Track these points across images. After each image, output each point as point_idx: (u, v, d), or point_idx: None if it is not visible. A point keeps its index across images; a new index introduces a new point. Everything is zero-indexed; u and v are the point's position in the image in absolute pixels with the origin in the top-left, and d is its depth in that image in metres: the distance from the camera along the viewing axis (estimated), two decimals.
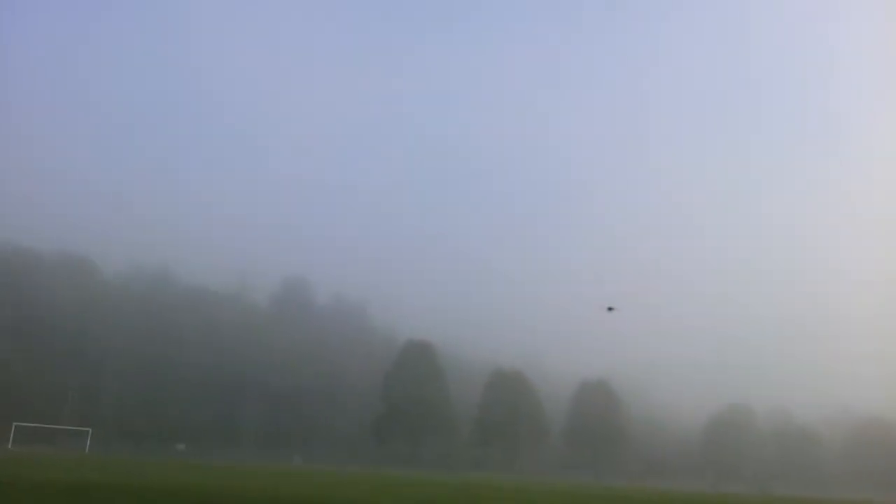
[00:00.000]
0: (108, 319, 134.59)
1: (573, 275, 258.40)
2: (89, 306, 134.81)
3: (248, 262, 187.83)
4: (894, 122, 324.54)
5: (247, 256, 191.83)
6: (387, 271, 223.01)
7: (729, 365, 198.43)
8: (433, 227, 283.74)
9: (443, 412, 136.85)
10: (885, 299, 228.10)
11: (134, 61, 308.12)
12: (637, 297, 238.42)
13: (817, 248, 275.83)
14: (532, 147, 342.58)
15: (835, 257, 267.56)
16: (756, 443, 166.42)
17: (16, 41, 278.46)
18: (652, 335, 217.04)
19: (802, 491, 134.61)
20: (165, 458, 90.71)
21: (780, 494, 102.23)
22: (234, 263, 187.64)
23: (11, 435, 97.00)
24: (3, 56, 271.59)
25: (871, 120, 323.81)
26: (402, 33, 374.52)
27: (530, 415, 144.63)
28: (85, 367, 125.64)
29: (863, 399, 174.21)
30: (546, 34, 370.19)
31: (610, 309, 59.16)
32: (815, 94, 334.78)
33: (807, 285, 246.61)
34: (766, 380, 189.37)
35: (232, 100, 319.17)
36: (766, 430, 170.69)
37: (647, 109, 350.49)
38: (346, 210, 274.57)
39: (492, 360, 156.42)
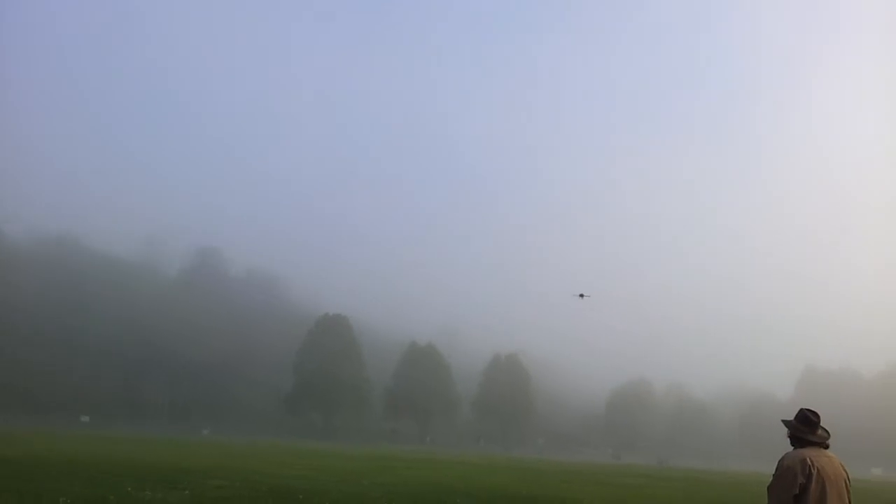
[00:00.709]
0: (10, 285, 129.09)
1: (486, 253, 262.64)
2: None
3: (158, 229, 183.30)
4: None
5: (158, 224, 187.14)
6: (303, 246, 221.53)
7: (632, 341, 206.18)
8: (351, 203, 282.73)
9: (357, 385, 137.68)
10: (780, 283, 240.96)
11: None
12: (547, 275, 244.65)
13: (716, 230, 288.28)
14: (429, 134, 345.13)
15: (735, 238, 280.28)
16: (655, 417, 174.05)
17: None
18: (561, 311, 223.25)
19: (698, 463, 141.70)
20: (69, 429, 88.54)
21: (676, 466, 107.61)
22: (144, 230, 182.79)
23: None
24: None
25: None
26: None
27: (442, 388, 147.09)
28: None
29: (755, 376, 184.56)
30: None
31: (581, 296, 61.67)
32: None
33: (704, 267, 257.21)
34: (665, 356, 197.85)
35: (148, 61, 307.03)
36: (664, 405, 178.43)
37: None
38: (263, 183, 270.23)
39: (407, 334, 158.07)
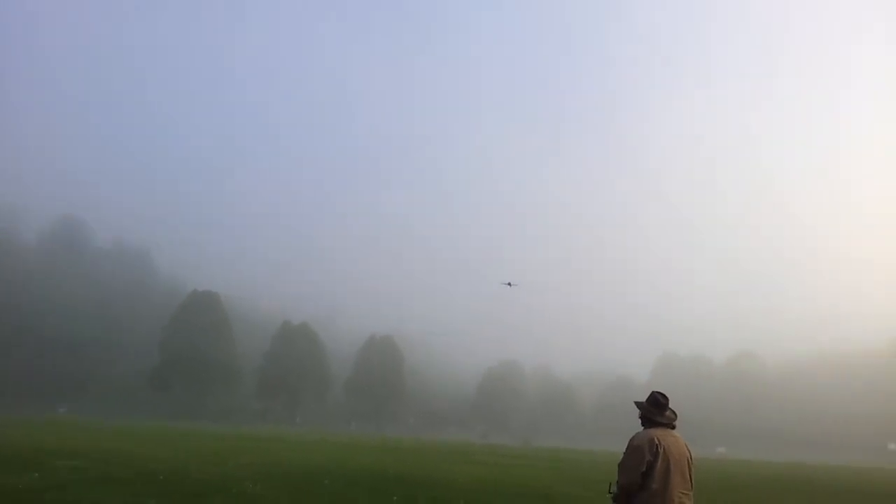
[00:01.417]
0: None
1: (366, 231, 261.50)
2: None
3: (14, 195, 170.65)
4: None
5: (13, 190, 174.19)
6: (173, 217, 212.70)
7: (505, 324, 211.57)
8: (227, 179, 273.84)
9: (227, 364, 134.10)
10: (645, 272, 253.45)
11: None
12: (426, 259, 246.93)
13: (589, 221, 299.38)
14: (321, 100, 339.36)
15: (602, 229, 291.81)
16: (523, 398, 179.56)
17: None
18: (438, 295, 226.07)
19: (561, 443, 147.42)
20: None
21: (541, 446, 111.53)
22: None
23: None
24: None
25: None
26: None
27: (315, 368, 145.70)
28: None
29: (616, 360, 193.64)
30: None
31: (509, 284, 62.43)
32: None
33: (573, 255, 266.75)
34: (535, 339, 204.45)
35: None
36: (532, 386, 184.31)
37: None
38: (134, 153, 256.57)
39: (282, 313, 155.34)
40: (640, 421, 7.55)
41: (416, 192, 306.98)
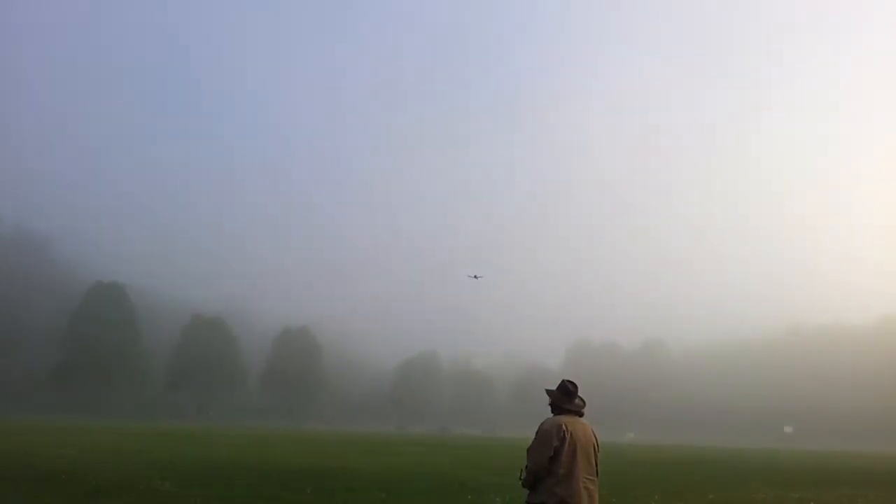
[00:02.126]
0: None
1: (280, 220, 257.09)
2: None
3: None
4: None
5: None
6: (77, 204, 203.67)
7: (421, 313, 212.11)
8: (135, 165, 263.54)
9: (134, 357, 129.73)
10: (556, 261, 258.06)
11: None
12: (341, 247, 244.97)
13: (500, 208, 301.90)
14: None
15: (516, 215, 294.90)
16: (441, 387, 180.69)
17: None
18: (357, 282, 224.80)
19: (479, 430, 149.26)
20: None
21: (459, 434, 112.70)
22: None
23: None
24: None
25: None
26: None
27: (228, 361, 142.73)
28: None
29: (529, 349, 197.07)
30: None
31: (475, 276, 61.93)
32: None
33: (486, 243, 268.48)
34: (452, 327, 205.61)
35: None
36: (449, 375, 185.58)
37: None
38: (37, 136, 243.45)
39: (192, 304, 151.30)
40: (549, 408, 7.72)
41: (332, 180, 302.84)
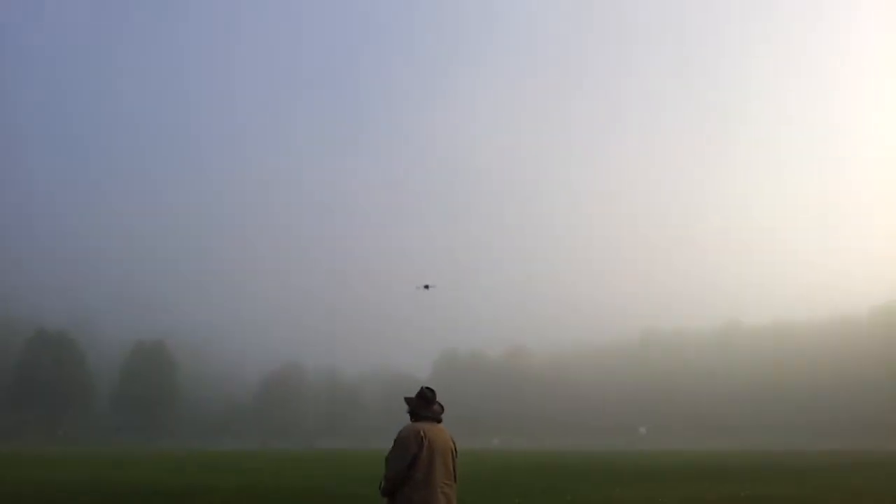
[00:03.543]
0: None
1: (133, 225, 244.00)
2: None
3: None
4: None
5: None
6: None
7: (280, 325, 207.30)
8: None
9: None
10: (422, 273, 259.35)
11: None
12: (200, 255, 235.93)
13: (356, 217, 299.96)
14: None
15: (374, 223, 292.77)
16: (307, 400, 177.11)
17: None
18: (216, 293, 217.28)
19: (349, 444, 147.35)
20: None
21: (325, 449, 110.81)
22: None
23: None
24: None
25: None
26: None
27: (75, 379, 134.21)
28: None
29: (397, 359, 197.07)
30: None
31: (426, 287, 59.21)
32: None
33: (352, 256, 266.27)
34: (316, 339, 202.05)
35: None
36: (315, 388, 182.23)
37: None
38: None
39: (34, 319, 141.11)
40: (408, 416, 7.74)
41: (188, 181, 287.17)
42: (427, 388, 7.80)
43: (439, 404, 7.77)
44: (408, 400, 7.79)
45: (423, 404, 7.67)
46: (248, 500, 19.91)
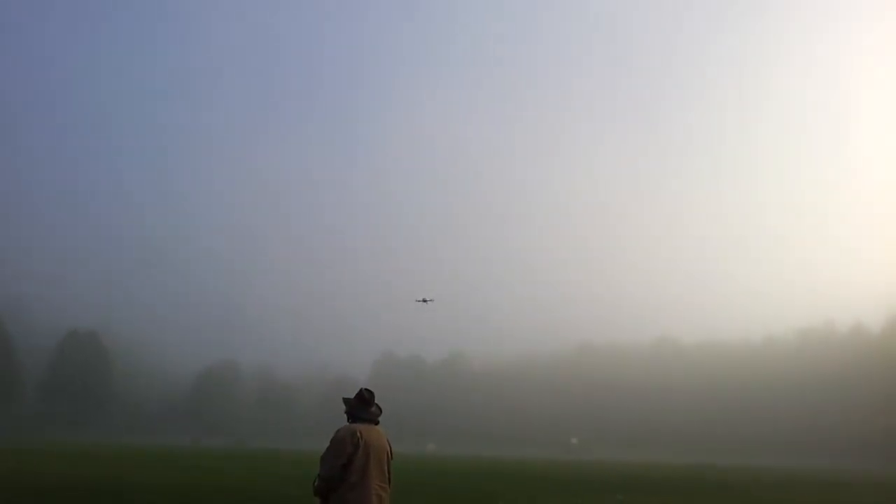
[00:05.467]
0: None
1: (65, 211, 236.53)
2: None
3: None
4: None
5: None
6: None
7: (218, 321, 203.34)
8: None
9: None
10: (361, 276, 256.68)
11: None
12: (134, 244, 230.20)
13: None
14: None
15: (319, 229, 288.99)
16: (241, 398, 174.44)
17: None
18: (151, 284, 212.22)
19: (282, 443, 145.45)
20: None
21: (259, 447, 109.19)
22: None
23: None
24: None
25: None
26: None
27: (1, 367, 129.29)
28: None
29: (335, 361, 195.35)
30: None
31: (424, 300, 57.08)
32: None
33: (294, 257, 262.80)
34: (254, 337, 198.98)
35: None
36: (251, 387, 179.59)
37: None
38: None
39: None
40: (346, 416, 7.83)
41: (118, 169, 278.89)
42: (366, 389, 7.90)
43: (377, 406, 7.88)
44: (346, 400, 7.88)
45: (362, 405, 7.76)
46: (176, 498, 19.66)
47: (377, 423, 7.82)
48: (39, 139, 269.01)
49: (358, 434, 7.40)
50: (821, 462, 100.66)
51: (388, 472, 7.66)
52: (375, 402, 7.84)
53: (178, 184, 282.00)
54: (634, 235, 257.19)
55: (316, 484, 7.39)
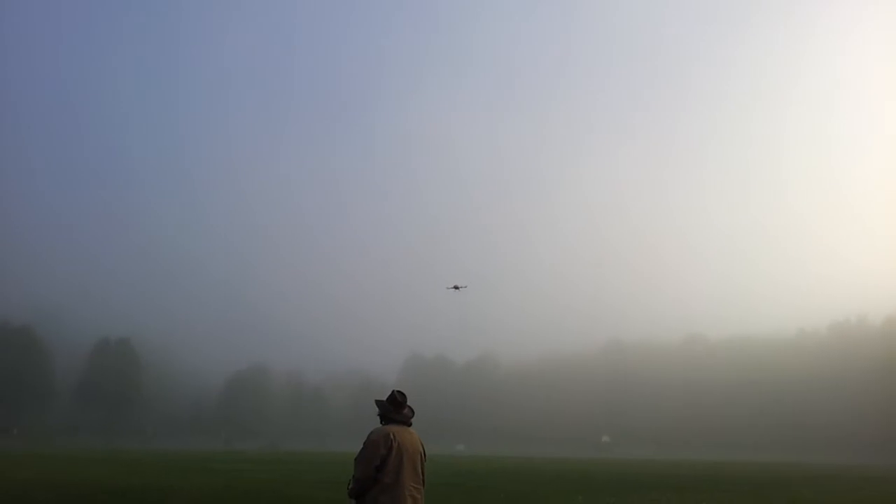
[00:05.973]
0: None
1: (99, 220, 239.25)
2: None
3: None
4: None
5: None
6: None
7: (247, 326, 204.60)
8: None
9: None
10: (384, 279, 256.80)
11: None
12: (167, 253, 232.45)
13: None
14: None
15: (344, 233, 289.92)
16: (272, 402, 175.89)
17: None
18: (182, 294, 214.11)
19: (314, 445, 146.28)
20: None
21: (290, 450, 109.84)
22: None
23: None
24: None
25: None
26: None
27: (36, 375, 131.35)
28: None
29: (364, 363, 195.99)
30: None
31: (456, 287, 57.78)
32: None
33: (316, 259, 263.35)
34: (283, 341, 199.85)
35: None
36: (282, 390, 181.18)
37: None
38: None
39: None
40: (378, 419, 7.82)
41: (167, 189, 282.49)
42: (398, 391, 7.87)
43: (410, 408, 7.86)
44: (378, 403, 7.87)
45: (394, 408, 7.75)
46: (211, 502, 19.79)
47: (410, 424, 7.81)
48: (73, 156, 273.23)
49: (391, 436, 7.39)
50: (859, 458, 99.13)
51: (422, 474, 7.65)
52: (407, 404, 7.84)
53: (205, 194, 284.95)
54: (661, 233, 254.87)
55: (350, 486, 7.41)
